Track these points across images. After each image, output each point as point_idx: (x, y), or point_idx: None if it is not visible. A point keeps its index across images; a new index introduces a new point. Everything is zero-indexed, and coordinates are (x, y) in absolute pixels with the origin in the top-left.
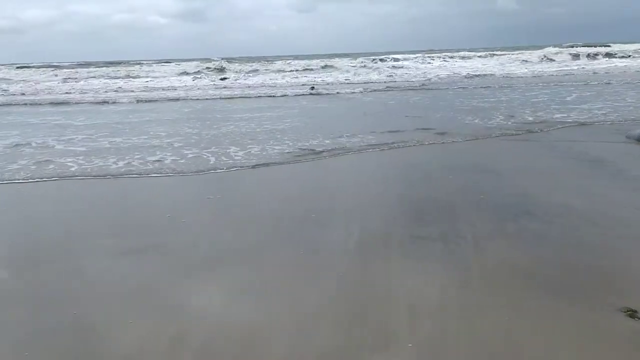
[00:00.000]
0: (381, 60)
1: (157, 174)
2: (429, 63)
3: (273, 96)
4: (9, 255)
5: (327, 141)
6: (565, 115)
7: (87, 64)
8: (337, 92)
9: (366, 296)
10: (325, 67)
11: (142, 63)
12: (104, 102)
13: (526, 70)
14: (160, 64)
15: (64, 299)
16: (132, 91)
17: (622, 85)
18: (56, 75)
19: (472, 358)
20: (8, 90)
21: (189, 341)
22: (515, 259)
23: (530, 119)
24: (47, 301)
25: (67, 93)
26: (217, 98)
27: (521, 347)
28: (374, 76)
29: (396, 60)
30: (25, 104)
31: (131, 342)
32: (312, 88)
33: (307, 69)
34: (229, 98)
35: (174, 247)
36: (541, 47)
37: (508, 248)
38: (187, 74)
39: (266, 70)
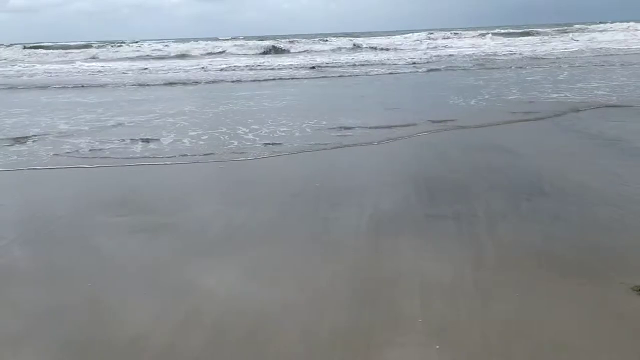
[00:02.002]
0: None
1: (175, 154)
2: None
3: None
4: (23, 235)
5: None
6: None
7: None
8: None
9: (378, 275)
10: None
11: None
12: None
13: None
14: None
15: (76, 277)
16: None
17: None
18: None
19: (483, 336)
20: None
21: (200, 320)
22: (529, 238)
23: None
24: (59, 279)
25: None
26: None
27: (533, 326)
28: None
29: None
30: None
31: (142, 321)
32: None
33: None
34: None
35: (187, 227)
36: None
37: (521, 227)
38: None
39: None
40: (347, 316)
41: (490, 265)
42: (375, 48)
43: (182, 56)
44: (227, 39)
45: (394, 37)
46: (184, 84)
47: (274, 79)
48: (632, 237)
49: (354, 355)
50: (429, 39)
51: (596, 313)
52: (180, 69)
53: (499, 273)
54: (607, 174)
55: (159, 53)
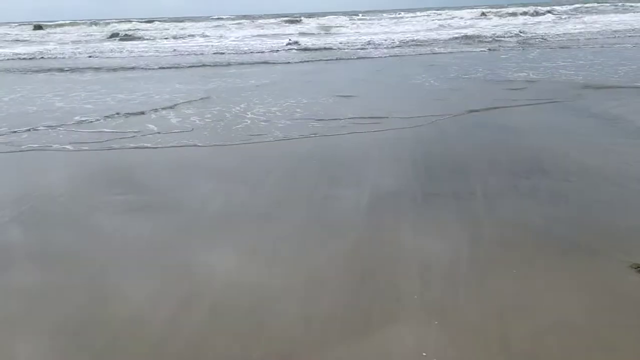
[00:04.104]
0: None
1: (177, 130)
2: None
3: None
4: (21, 215)
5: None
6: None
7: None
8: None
9: (377, 253)
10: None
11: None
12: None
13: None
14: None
15: (75, 256)
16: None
17: None
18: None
19: (483, 314)
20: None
21: (199, 299)
22: (528, 217)
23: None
24: (57, 259)
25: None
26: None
27: (532, 304)
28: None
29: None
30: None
31: (142, 299)
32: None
33: None
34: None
35: (186, 205)
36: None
37: (521, 206)
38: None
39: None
40: (347, 294)
41: (489, 244)
42: None
43: None
44: None
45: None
46: None
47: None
48: (632, 215)
49: (354, 332)
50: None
51: (595, 291)
52: None
53: (499, 251)
54: (608, 152)
55: None
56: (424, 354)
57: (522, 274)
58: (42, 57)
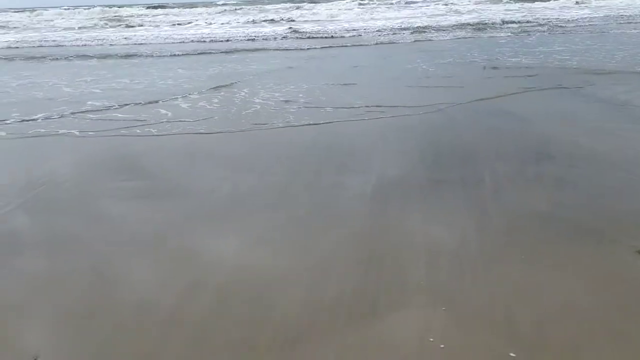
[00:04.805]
0: None
1: (185, 118)
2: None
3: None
4: (26, 201)
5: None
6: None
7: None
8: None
9: (385, 239)
10: None
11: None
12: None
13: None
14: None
15: (81, 242)
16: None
17: None
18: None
19: (490, 299)
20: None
21: (206, 285)
22: (535, 203)
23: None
24: (63, 245)
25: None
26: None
27: (538, 290)
28: None
29: None
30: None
31: (148, 285)
32: None
33: None
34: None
35: (194, 192)
36: None
37: (528, 192)
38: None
39: None
40: (354, 280)
41: (496, 229)
42: None
43: None
44: None
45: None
46: None
47: None
48: (639, 201)
49: (361, 318)
50: None
51: (602, 276)
52: None
53: (506, 237)
54: (616, 138)
55: None
56: (431, 339)
57: (529, 259)
58: (40, 45)
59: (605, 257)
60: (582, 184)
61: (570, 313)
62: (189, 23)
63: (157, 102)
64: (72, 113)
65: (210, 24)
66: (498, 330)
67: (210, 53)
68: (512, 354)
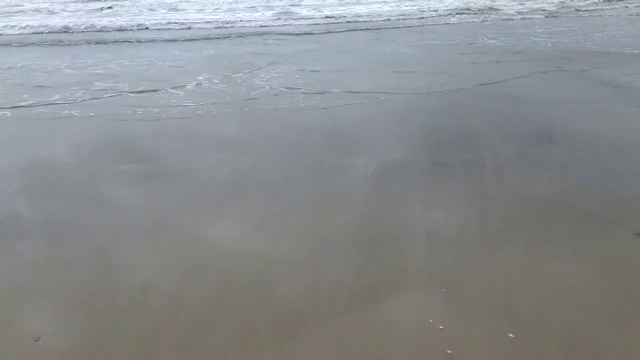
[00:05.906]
0: None
1: (186, 102)
2: None
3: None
4: (27, 185)
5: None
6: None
7: None
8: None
9: (386, 222)
10: None
11: None
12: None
13: None
14: None
15: (82, 227)
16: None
17: None
18: None
19: (489, 283)
20: None
21: (207, 269)
22: (537, 186)
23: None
24: (64, 230)
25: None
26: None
27: (538, 273)
28: None
29: None
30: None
31: (149, 270)
32: None
33: None
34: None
35: (195, 175)
36: None
37: (530, 175)
38: None
39: None
40: (354, 263)
41: (497, 213)
42: None
43: None
44: None
45: None
46: None
47: None
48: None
49: (362, 301)
50: None
51: (603, 260)
52: None
53: (506, 220)
54: (618, 121)
55: None
56: (431, 320)
57: (529, 242)
58: (35, 33)
59: (605, 240)
60: (582, 168)
61: (569, 295)
62: (182, 10)
63: (153, 85)
64: (75, 95)
65: (217, 9)
66: (497, 311)
67: (210, 39)
68: (510, 335)
